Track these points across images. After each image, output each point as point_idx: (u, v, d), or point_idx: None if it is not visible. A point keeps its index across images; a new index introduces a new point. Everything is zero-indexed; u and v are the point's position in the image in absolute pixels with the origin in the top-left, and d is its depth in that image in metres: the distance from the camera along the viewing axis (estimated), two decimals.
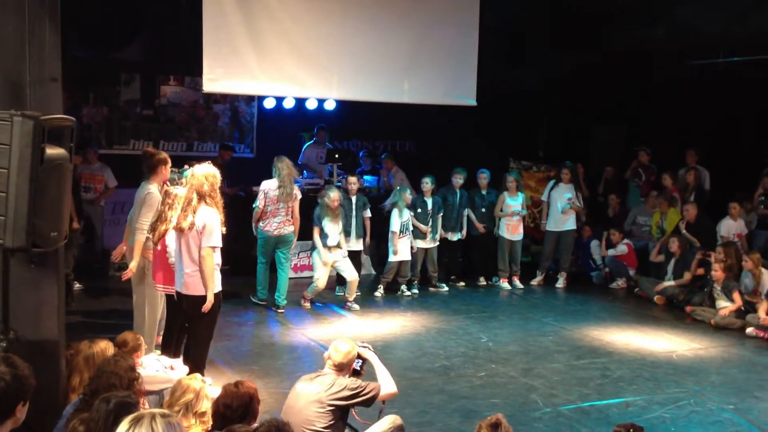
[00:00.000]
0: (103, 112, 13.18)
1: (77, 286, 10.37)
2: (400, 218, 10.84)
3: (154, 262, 7.19)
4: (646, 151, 12.99)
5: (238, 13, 10.04)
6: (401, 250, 10.93)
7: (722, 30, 11.10)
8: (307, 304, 10.26)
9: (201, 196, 6.39)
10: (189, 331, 6.77)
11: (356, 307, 10.20)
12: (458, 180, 11.58)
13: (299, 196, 10.12)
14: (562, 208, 11.78)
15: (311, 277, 11.88)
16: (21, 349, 4.13)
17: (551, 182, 12.23)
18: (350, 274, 10.23)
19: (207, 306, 6.39)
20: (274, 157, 10.24)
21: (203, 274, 6.36)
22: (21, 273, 4.67)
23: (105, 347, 5.18)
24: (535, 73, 13.40)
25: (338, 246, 10.25)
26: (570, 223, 11.91)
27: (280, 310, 9.99)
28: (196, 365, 6.31)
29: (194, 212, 6.35)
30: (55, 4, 5.03)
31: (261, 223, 10.04)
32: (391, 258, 11.01)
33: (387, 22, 11.00)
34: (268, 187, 9.97)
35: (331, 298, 10.75)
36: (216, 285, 6.46)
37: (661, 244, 11.38)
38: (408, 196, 10.92)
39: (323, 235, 10.19)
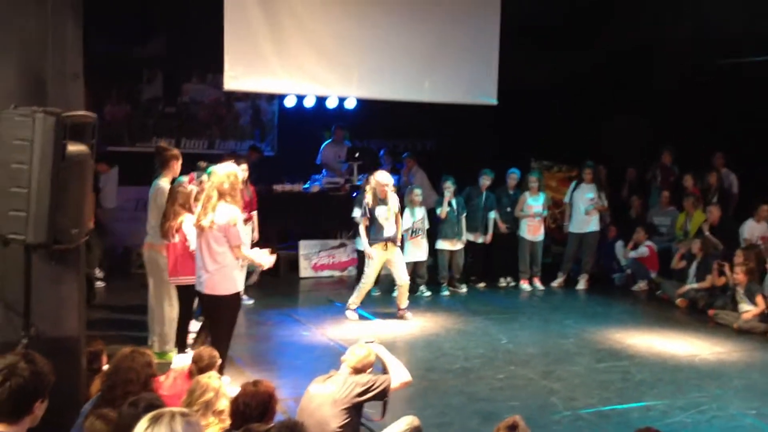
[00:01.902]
0: (126, 109, 13.24)
1: (100, 284, 10.43)
2: (412, 218, 10.65)
3: (168, 256, 7.26)
4: (670, 151, 12.88)
5: (259, 11, 10.07)
6: (413, 250, 10.77)
7: (749, 28, 10.94)
8: (354, 315, 9.61)
9: (221, 194, 6.41)
10: (209, 329, 6.80)
11: (409, 315, 9.69)
12: (485, 182, 11.50)
13: None
14: (585, 209, 11.70)
15: (331, 277, 11.93)
16: (41, 346, 4.14)
17: (573, 183, 12.15)
18: (403, 276, 9.66)
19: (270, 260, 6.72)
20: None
21: (225, 270, 6.42)
22: (42, 269, 4.69)
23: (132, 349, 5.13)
24: (556, 71, 13.30)
25: (393, 241, 9.56)
26: (593, 225, 11.83)
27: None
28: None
29: (214, 210, 6.37)
30: (78, 0, 5.03)
31: None
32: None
33: (408, 20, 10.98)
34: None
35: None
36: (236, 284, 6.51)
37: (683, 252, 11.22)
38: (416, 196, 10.67)
39: (376, 228, 9.44)
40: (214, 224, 6.35)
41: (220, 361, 5.72)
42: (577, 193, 11.87)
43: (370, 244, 9.50)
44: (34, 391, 3.24)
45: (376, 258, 9.50)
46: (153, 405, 3.59)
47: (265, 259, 6.72)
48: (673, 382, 7.56)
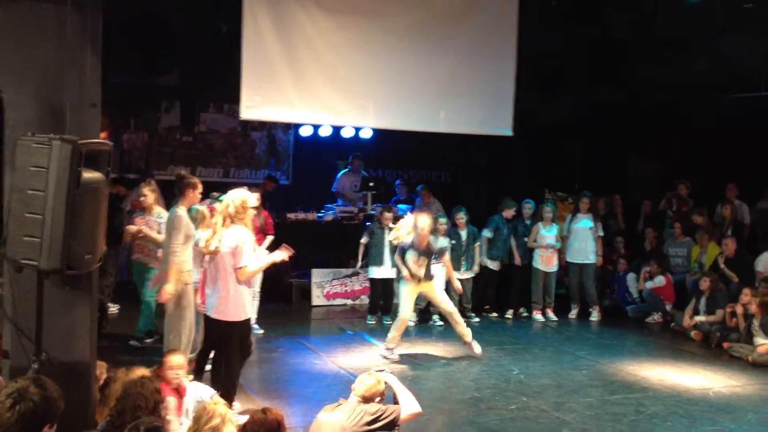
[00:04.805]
0: (144, 137, 13.41)
1: (113, 309, 10.47)
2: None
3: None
4: (686, 184, 12.84)
5: (276, 41, 10.17)
6: None
7: (763, 63, 10.98)
8: (394, 355, 9.07)
9: (226, 218, 6.54)
10: (220, 356, 6.81)
11: (477, 347, 9.23)
12: (510, 211, 11.60)
13: None
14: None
15: (343, 305, 11.94)
16: (53, 372, 4.16)
17: (569, 216, 12.16)
18: (447, 306, 9.28)
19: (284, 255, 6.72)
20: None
21: (235, 296, 6.47)
22: (55, 295, 4.74)
23: (141, 375, 5.19)
24: (572, 104, 13.34)
25: (427, 278, 9.15)
26: (591, 257, 11.82)
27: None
28: (227, 390, 6.32)
29: (222, 234, 6.49)
30: (97, 30, 5.13)
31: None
32: None
33: (423, 50, 11.04)
34: None
35: (362, 327, 10.72)
36: (245, 311, 6.57)
37: (691, 312, 10.87)
38: (441, 225, 10.49)
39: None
40: (223, 246, 6.43)
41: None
42: (574, 224, 11.89)
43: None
44: (43, 416, 3.25)
45: (409, 291, 9.15)
46: (153, 428, 3.61)
47: (280, 255, 6.77)
48: (686, 416, 7.49)
